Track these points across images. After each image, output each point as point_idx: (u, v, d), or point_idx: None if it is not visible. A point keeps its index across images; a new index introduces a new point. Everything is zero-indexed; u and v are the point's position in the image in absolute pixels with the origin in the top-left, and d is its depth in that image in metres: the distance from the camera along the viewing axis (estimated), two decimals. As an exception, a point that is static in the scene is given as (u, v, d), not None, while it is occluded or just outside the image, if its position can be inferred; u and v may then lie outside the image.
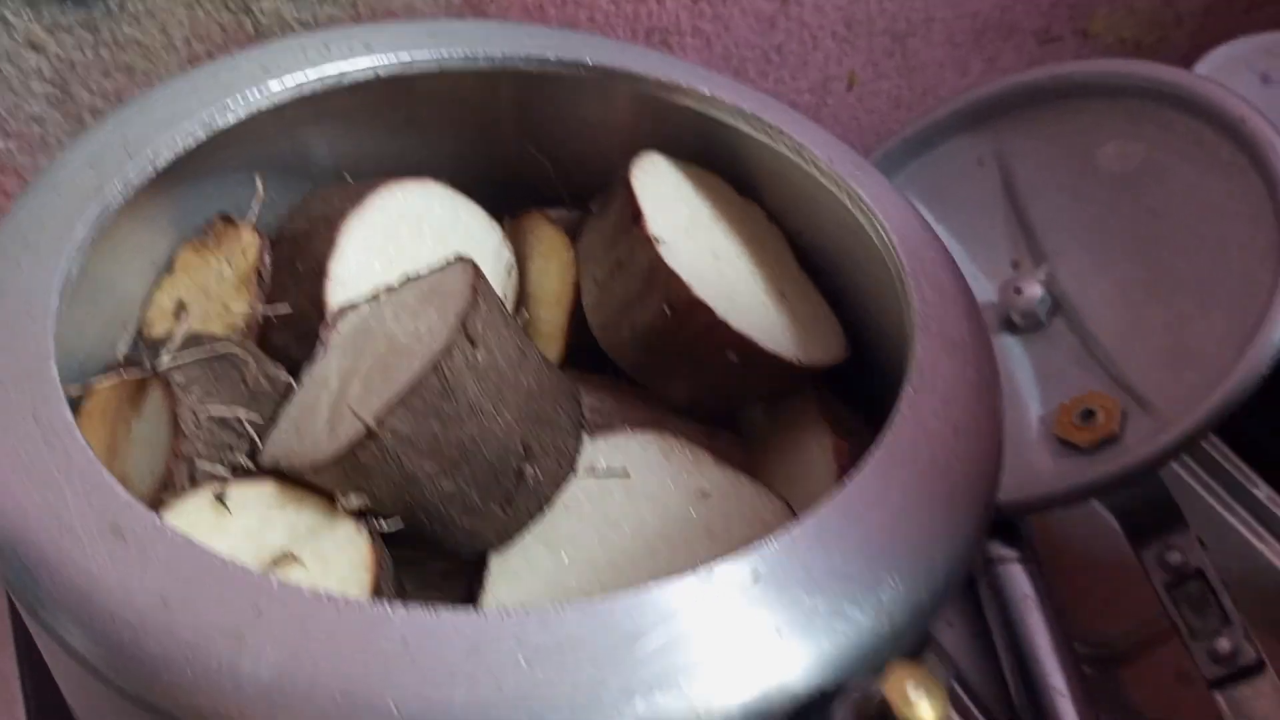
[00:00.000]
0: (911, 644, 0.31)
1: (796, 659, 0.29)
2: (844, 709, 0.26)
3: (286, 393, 0.39)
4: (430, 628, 0.27)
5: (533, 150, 0.50)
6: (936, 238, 0.45)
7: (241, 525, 0.34)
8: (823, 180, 0.46)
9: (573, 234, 0.48)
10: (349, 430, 0.34)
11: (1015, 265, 0.63)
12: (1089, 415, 0.54)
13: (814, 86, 0.71)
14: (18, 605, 0.28)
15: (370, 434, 0.33)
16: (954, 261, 0.44)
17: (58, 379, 0.31)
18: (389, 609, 0.27)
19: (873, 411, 0.47)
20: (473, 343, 0.34)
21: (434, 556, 0.38)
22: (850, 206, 0.45)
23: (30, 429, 0.29)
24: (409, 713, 0.26)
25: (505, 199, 0.49)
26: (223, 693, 0.26)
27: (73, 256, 0.34)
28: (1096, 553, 0.61)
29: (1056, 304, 0.61)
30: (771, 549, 0.31)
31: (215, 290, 0.43)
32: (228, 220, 0.44)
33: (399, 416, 0.33)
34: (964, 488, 0.34)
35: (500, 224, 0.48)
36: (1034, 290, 0.61)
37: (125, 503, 0.28)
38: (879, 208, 0.44)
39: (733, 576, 0.30)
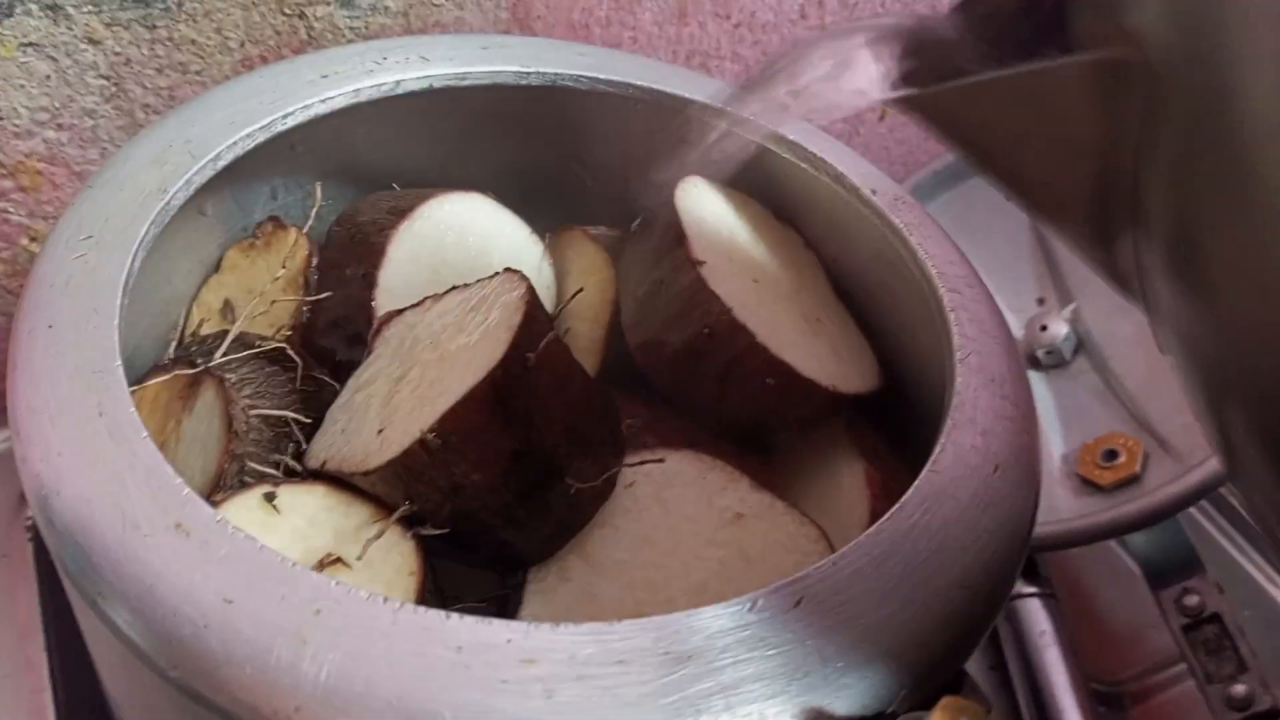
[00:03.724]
0: (950, 674, 0.32)
1: (838, 683, 0.29)
2: (891, 736, 0.27)
3: (332, 396, 0.40)
4: (484, 637, 0.27)
5: (576, 167, 0.51)
6: (975, 272, 0.45)
7: (290, 526, 0.34)
8: (862, 209, 0.47)
9: (612, 252, 0.49)
10: (400, 438, 0.34)
11: (1041, 302, 0.64)
12: (1112, 455, 0.55)
13: (847, 117, 0.72)
14: (78, 596, 0.29)
15: (422, 443, 0.33)
16: (992, 297, 0.45)
17: (123, 376, 0.31)
18: (444, 616, 0.28)
19: (900, 440, 0.48)
20: (525, 357, 0.35)
21: (472, 566, 0.38)
22: (890, 237, 0.46)
23: (96, 424, 0.30)
24: (461, 719, 0.26)
25: (547, 214, 0.50)
26: (281, 691, 0.26)
27: (137, 254, 0.35)
28: (1113, 592, 0.62)
29: (1081, 343, 0.61)
30: (815, 575, 0.31)
31: (262, 292, 0.44)
32: (277, 223, 0.45)
33: (450, 427, 0.34)
34: (1003, 522, 0.35)
35: (541, 239, 0.49)
36: (1059, 328, 0.61)
37: (188, 499, 0.29)
38: (918, 240, 0.45)
39: (778, 601, 0.30)
